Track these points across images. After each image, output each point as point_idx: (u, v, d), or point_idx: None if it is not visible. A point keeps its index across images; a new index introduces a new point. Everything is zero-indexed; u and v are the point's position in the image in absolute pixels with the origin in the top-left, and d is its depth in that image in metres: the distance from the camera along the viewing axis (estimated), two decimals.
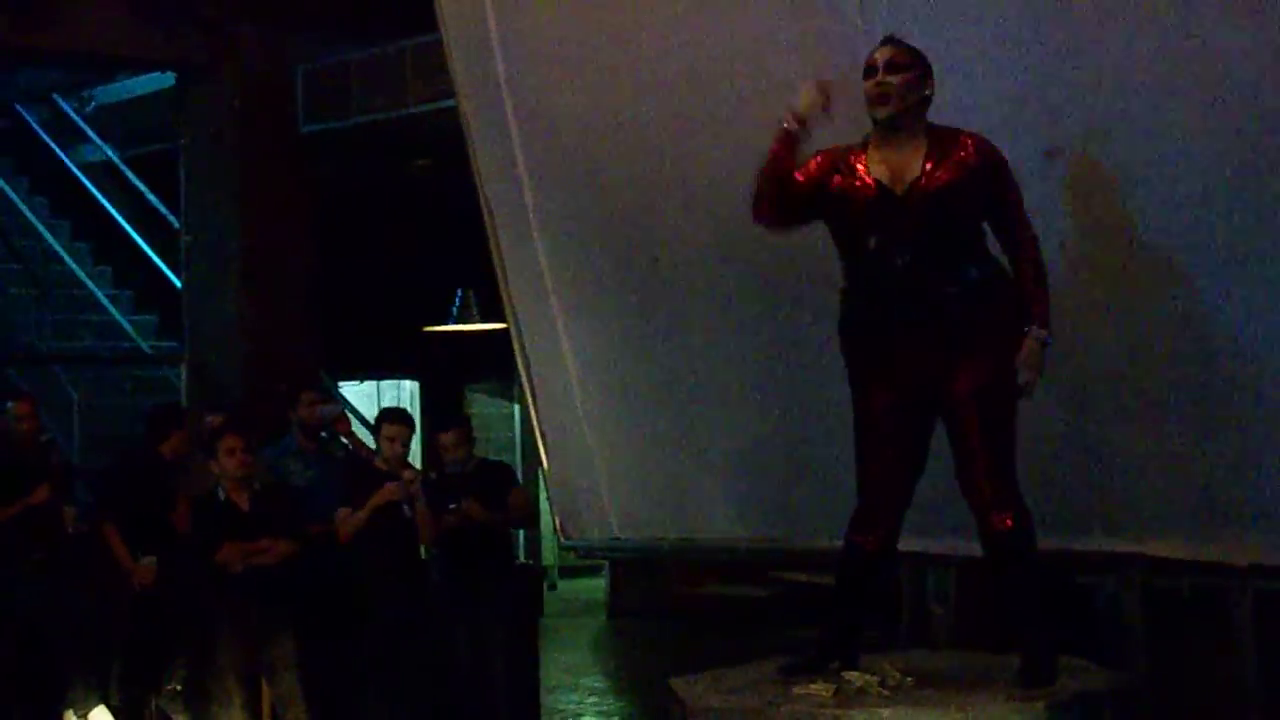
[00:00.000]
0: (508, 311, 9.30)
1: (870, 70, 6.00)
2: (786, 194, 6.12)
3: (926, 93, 6.03)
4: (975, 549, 6.12)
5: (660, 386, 8.61)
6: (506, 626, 9.74)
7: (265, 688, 8.99)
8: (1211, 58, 6.41)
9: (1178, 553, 6.97)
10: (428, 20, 9.35)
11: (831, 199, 6.06)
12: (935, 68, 6.05)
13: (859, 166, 6.02)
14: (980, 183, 5.96)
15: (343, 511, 9.36)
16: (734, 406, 8.29)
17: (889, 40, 6.09)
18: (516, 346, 9.30)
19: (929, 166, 5.94)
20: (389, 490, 9.35)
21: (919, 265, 5.92)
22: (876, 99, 5.99)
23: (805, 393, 7.43)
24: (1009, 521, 5.90)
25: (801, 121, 6.07)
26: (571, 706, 11.35)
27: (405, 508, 9.42)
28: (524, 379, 9.35)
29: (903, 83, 5.98)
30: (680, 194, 8.20)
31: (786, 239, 6.54)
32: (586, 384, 8.96)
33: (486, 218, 9.19)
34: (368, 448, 10.46)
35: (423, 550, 10.05)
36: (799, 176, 6.08)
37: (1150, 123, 6.66)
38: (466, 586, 9.73)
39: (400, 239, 15.28)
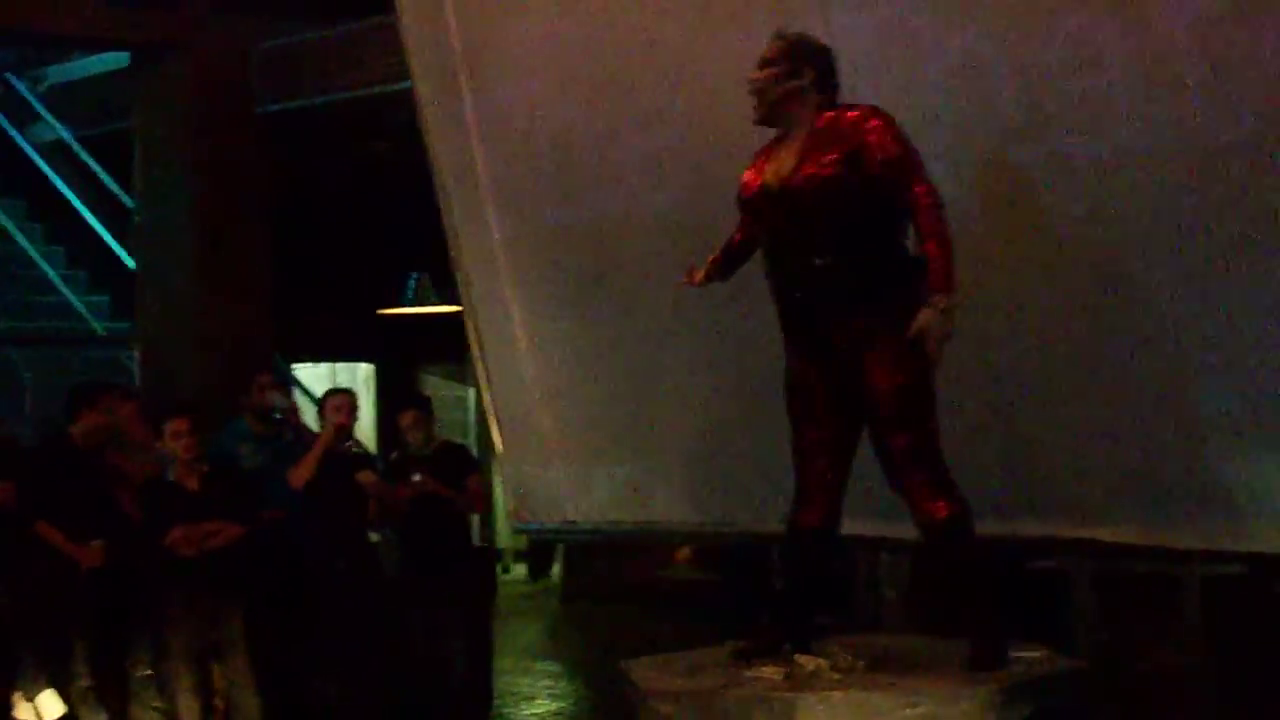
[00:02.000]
0: (463, 295, 9.29)
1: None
2: (741, 250, 6.42)
3: (800, 83, 6.03)
4: None
5: (615, 371, 8.61)
6: (461, 609, 9.74)
7: (216, 669, 8.99)
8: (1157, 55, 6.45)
9: (1127, 537, 7.01)
10: (386, 0, 9.33)
11: (741, 192, 6.20)
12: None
13: (762, 163, 6.12)
14: (859, 164, 5.88)
15: (292, 469, 9.38)
16: (688, 391, 8.30)
17: (776, 35, 6.15)
18: (471, 330, 9.29)
19: (801, 162, 5.95)
20: (328, 432, 9.40)
21: (806, 258, 5.93)
22: (751, 98, 6.10)
23: (758, 378, 7.42)
24: (943, 510, 5.92)
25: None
26: (525, 689, 11.35)
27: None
28: (478, 363, 9.34)
29: (765, 78, 6.05)
30: (638, 180, 8.20)
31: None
32: (541, 368, 8.96)
33: (442, 200, 9.17)
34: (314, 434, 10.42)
35: (378, 536, 10.05)
36: (740, 224, 6.33)
37: (1080, 117, 6.69)
38: (422, 568, 9.72)
39: (356, 221, 15.24)
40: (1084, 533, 7.12)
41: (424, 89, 9.15)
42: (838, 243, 5.89)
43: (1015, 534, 7.12)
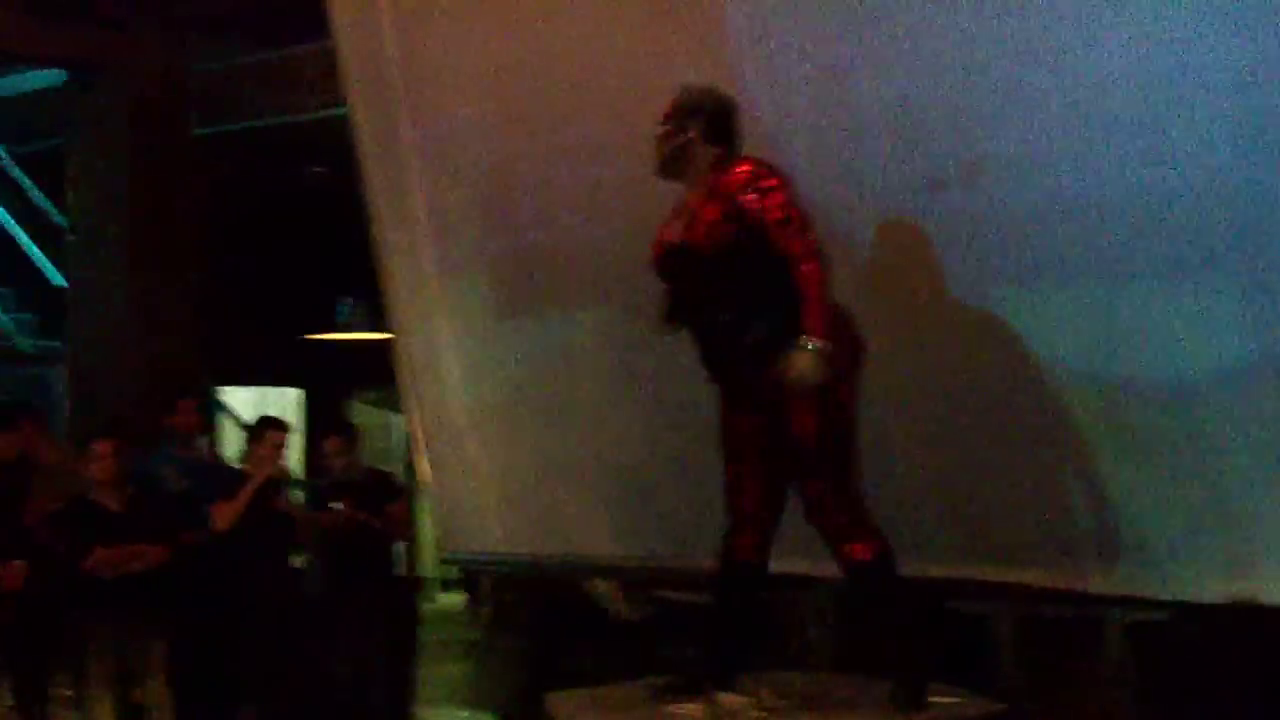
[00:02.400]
0: (393, 321, 9.27)
1: None
2: None
3: (686, 138, 6.08)
4: None
5: (544, 403, 8.61)
6: (383, 636, 9.70)
7: (136, 692, 8.92)
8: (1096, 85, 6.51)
9: (1051, 582, 7.04)
10: (324, 25, 9.31)
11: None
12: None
13: (671, 222, 6.15)
14: (733, 220, 5.92)
15: (218, 506, 9.31)
16: (617, 424, 8.30)
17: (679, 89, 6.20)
18: (401, 357, 9.27)
19: (694, 219, 6.00)
20: (264, 465, 9.34)
21: (701, 318, 6.02)
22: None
23: (687, 412, 7.44)
24: (863, 551, 5.97)
25: None
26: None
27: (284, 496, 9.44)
28: (407, 390, 9.31)
29: (659, 135, 6.14)
30: (572, 211, 8.21)
31: None
32: (470, 397, 8.94)
33: (375, 227, 9.16)
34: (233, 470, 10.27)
35: (301, 560, 10.00)
36: None
37: (1011, 165, 6.74)
38: (344, 595, 9.68)
39: (289, 245, 15.18)
40: (1007, 576, 7.16)
41: (360, 115, 9.14)
42: (738, 298, 5.93)
43: (937, 575, 7.15)
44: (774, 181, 5.93)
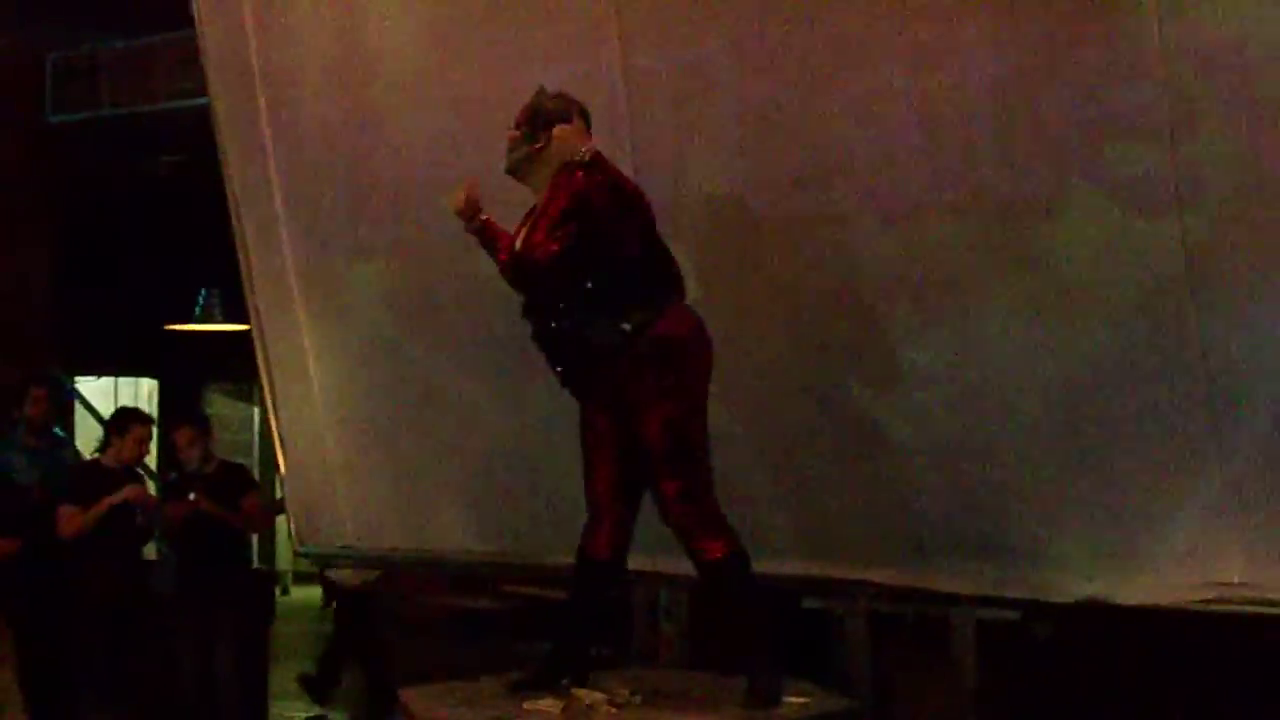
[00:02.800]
0: (252, 313, 9.20)
1: None
2: None
3: (537, 146, 6.10)
4: None
5: (401, 398, 8.58)
6: (236, 630, 9.64)
7: None
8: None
9: (902, 580, 7.12)
10: (183, 14, 9.22)
11: None
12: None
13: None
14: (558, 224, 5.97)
15: (67, 508, 9.21)
16: (472, 421, 8.29)
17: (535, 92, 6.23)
18: (259, 349, 9.20)
19: (524, 229, 6.08)
20: (125, 491, 9.24)
21: (542, 325, 6.05)
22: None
23: (541, 410, 7.46)
24: (718, 551, 5.99)
25: (468, 217, 6.22)
26: (299, 715, 11.23)
27: (138, 514, 9.34)
28: (265, 383, 9.25)
29: (510, 138, 6.17)
30: (433, 206, 8.18)
31: None
32: (328, 390, 8.90)
33: (234, 218, 9.08)
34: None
35: (154, 549, 9.91)
36: None
37: (867, 170, 6.79)
38: (198, 588, 9.61)
39: (146, 235, 15.00)
40: (857, 574, 7.22)
41: (220, 105, 9.05)
42: (569, 305, 5.96)
43: (790, 573, 7.21)
44: (582, 179, 6.01)
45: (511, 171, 6.17)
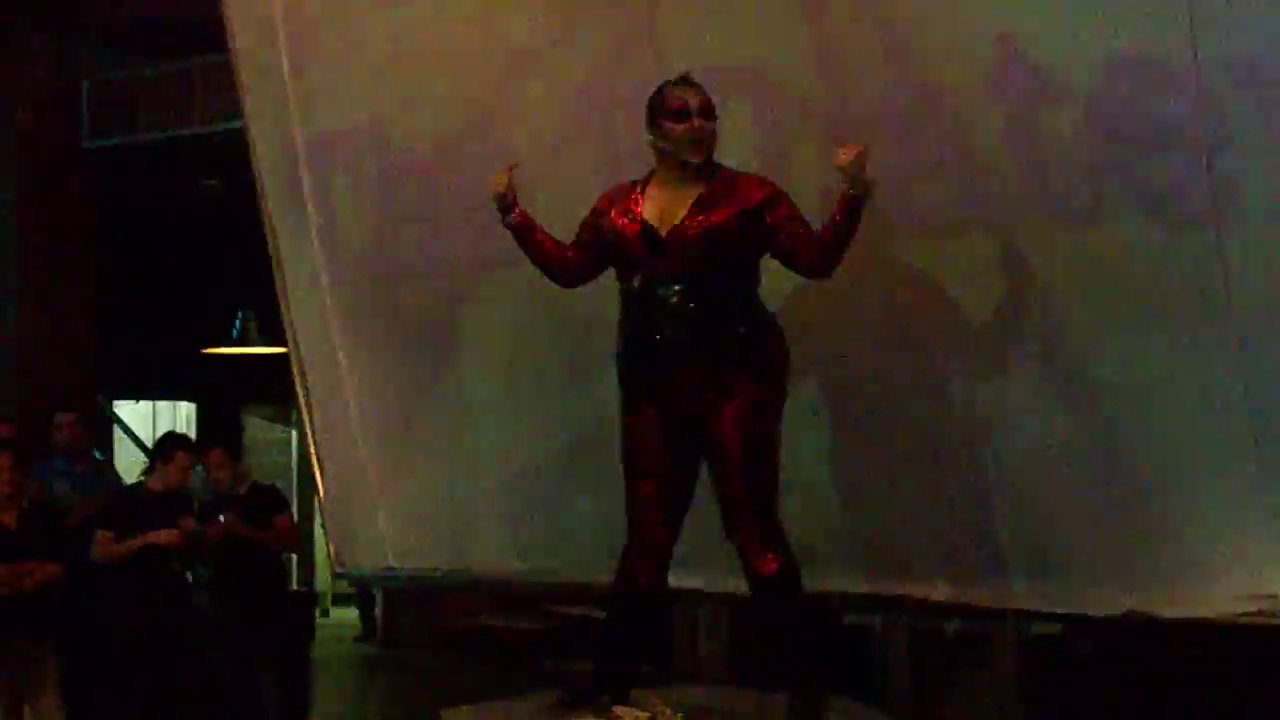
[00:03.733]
0: (289, 336, 9.22)
1: (683, 113, 6.07)
2: (565, 266, 6.37)
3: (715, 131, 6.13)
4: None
5: (439, 417, 8.58)
6: (277, 653, 9.66)
7: (26, 710, 8.84)
8: None
9: (943, 596, 7.10)
10: (219, 38, 9.26)
11: (609, 236, 6.19)
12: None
13: (634, 206, 6.14)
14: (755, 219, 6.02)
15: (104, 534, 9.25)
16: (512, 439, 8.29)
17: (691, 81, 6.16)
18: (296, 372, 9.22)
19: (696, 211, 6.03)
20: (164, 535, 9.27)
21: (681, 303, 6.01)
22: (692, 145, 6.08)
23: (582, 428, 7.47)
24: (774, 565, 5.98)
25: (506, 209, 6.27)
26: None
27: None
28: (303, 405, 9.27)
29: (714, 132, 6.10)
30: (467, 228, 8.20)
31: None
32: (365, 411, 8.90)
33: (270, 241, 9.11)
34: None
35: (190, 575, 9.94)
36: (577, 247, 6.33)
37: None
38: (236, 611, 9.63)
39: (183, 259, 15.07)
40: (902, 590, 7.21)
41: (255, 128, 9.08)
42: (718, 293, 6.00)
43: (832, 589, 7.20)
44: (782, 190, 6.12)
45: (700, 166, 6.12)
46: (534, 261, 6.41)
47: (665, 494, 6.13)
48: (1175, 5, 6.08)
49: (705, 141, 6.07)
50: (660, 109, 6.10)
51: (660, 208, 6.09)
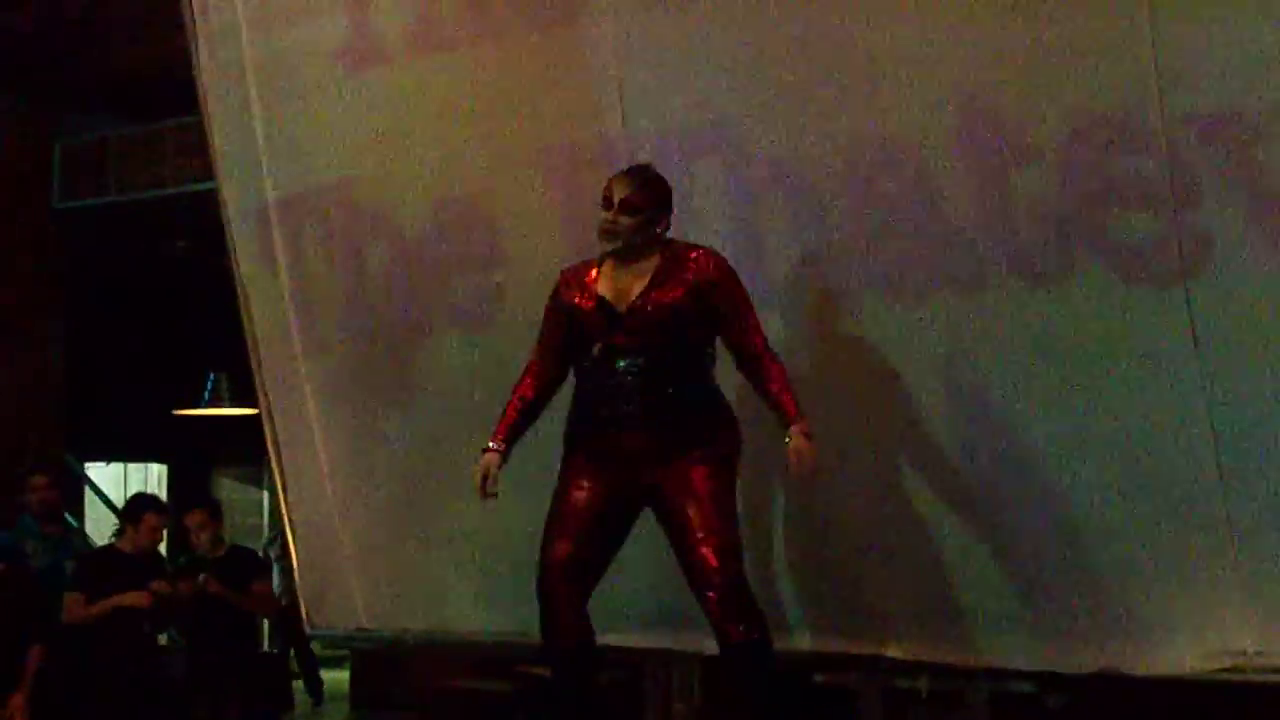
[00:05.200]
0: (260, 397, 9.21)
1: (606, 202, 6.24)
2: (546, 381, 6.55)
3: (658, 229, 6.26)
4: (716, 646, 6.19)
5: (410, 478, 8.57)
6: (250, 715, 9.61)
7: None
8: None
9: (916, 654, 7.09)
10: (189, 100, 9.28)
11: (567, 312, 6.34)
12: None
13: (590, 284, 6.30)
14: (704, 297, 6.19)
15: (73, 597, 9.22)
16: (480, 500, 8.28)
17: (630, 172, 6.35)
18: (268, 433, 9.21)
19: (650, 288, 6.18)
20: (133, 597, 9.24)
21: (637, 377, 6.16)
22: (604, 233, 6.24)
23: (549, 488, 7.45)
24: (742, 626, 6.02)
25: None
26: None
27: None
28: (275, 465, 9.25)
29: (632, 225, 6.21)
30: (439, 288, 8.21)
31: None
32: (337, 472, 8.89)
33: (242, 302, 9.11)
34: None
35: (164, 636, 9.90)
36: (542, 351, 6.53)
37: None
38: (208, 673, 9.58)
39: (154, 320, 15.06)
40: (874, 649, 7.19)
41: (227, 189, 9.10)
42: (673, 367, 6.19)
43: (803, 648, 7.19)
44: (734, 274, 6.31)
45: (618, 251, 6.25)
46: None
47: (580, 548, 6.24)
48: (1142, 63, 6.12)
49: (616, 234, 6.20)
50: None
51: (615, 286, 6.24)
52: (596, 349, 6.22)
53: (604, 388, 6.22)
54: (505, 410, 6.54)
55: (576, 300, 6.31)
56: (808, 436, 6.13)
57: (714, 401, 6.27)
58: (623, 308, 6.19)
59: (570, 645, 6.25)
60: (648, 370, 6.14)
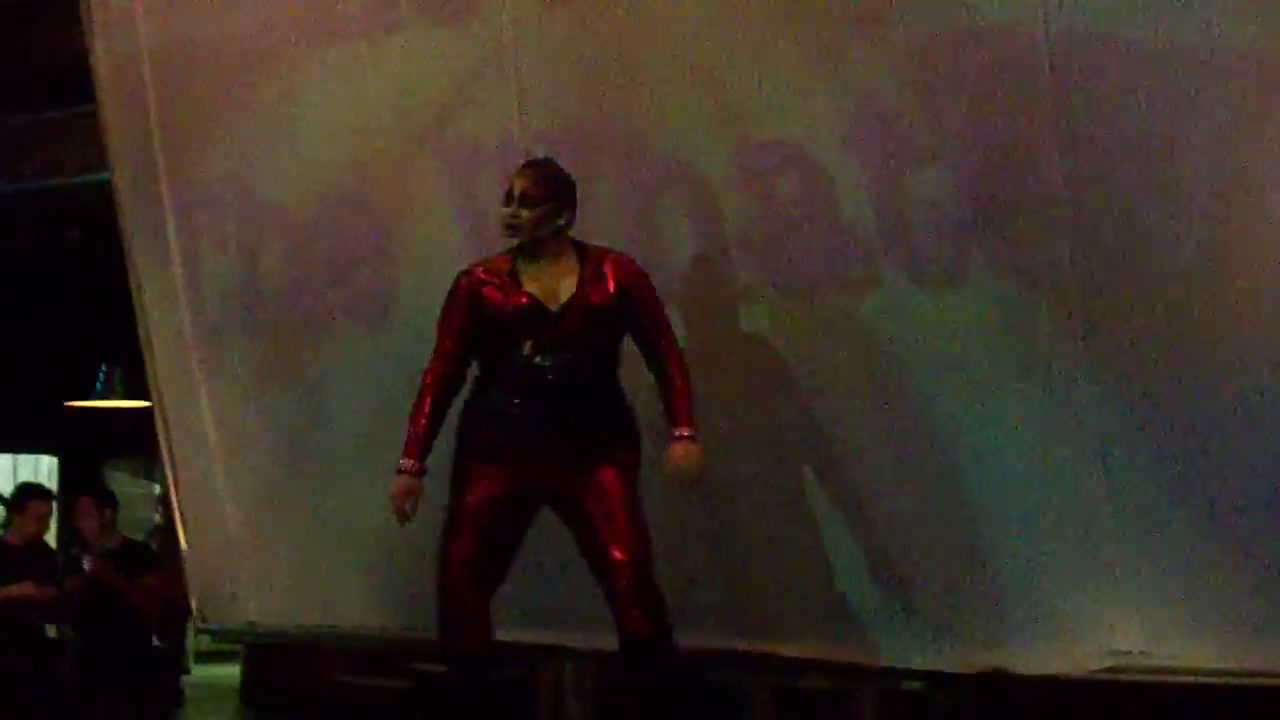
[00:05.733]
0: (152, 390, 9.15)
1: (506, 197, 6.24)
2: (451, 381, 6.41)
3: (562, 222, 6.24)
4: (613, 643, 6.19)
5: (304, 474, 8.53)
6: (142, 709, 9.55)
7: None
8: None
9: (808, 653, 7.12)
10: (84, 89, 9.19)
11: (485, 311, 6.26)
12: None
13: (511, 280, 6.23)
14: (626, 300, 6.23)
15: None
16: (375, 494, 8.23)
17: (530, 166, 6.36)
18: (160, 426, 9.14)
19: (583, 286, 6.18)
20: (17, 589, 9.16)
21: (563, 372, 6.14)
22: (507, 228, 6.25)
23: (445, 483, 7.44)
24: (649, 625, 6.03)
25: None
26: None
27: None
28: (166, 459, 9.19)
29: (534, 218, 6.18)
30: (333, 283, 8.18)
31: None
32: (230, 467, 8.84)
33: (135, 294, 9.04)
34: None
35: (53, 629, 9.82)
36: (443, 358, 6.37)
37: None
38: (99, 669, 9.51)
39: (45, 312, 14.89)
40: (766, 647, 7.22)
41: (120, 179, 9.03)
42: (594, 368, 6.23)
43: (701, 646, 7.20)
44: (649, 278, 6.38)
45: (525, 246, 6.26)
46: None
47: (481, 549, 6.21)
48: (1039, 81, 6.18)
49: (518, 228, 6.21)
50: None
51: (541, 285, 6.22)
52: (528, 347, 6.16)
53: (521, 386, 6.17)
54: (412, 427, 6.38)
55: (501, 298, 6.22)
56: (694, 441, 6.18)
57: (624, 404, 6.31)
58: (554, 306, 6.17)
59: (470, 647, 6.23)
60: (570, 370, 6.14)
